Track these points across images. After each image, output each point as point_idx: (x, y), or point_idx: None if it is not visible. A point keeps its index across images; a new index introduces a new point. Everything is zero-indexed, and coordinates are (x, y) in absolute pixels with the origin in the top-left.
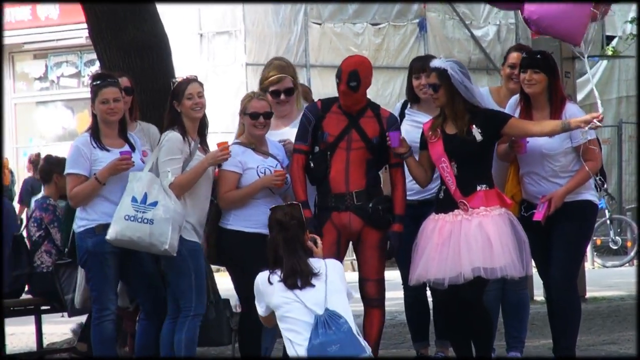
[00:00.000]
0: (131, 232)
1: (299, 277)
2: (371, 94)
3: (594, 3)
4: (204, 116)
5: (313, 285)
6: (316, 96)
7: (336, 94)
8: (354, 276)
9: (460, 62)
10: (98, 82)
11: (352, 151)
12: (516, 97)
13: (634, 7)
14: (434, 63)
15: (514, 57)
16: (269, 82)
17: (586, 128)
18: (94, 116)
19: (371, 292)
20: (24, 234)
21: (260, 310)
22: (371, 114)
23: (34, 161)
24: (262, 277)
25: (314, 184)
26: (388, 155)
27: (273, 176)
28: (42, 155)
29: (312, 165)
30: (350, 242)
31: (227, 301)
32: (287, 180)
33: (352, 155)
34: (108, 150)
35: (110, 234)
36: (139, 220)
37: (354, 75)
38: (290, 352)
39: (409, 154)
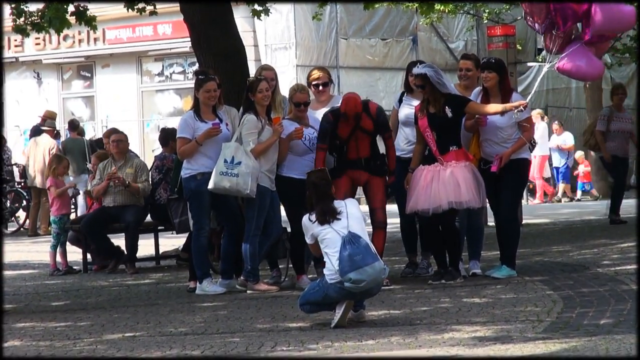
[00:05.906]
0: (224, 182)
1: (327, 215)
2: (381, 86)
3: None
4: (281, 98)
5: (339, 218)
6: (344, 87)
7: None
8: (364, 207)
9: (434, 65)
10: (202, 77)
11: (360, 140)
12: (479, 88)
13: None
14: (415, 71)
15: (462, 63)
16: (313, 78)
17: (515, 111)
18: (197, 99)
19: (380, 217)
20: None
21: (308, 240)
22: (365, 115)
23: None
24: (305, 218)
25: (331, 153)
26: (382, 131)
27: (293, 131)
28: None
29: (337, 142)
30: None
31: (285, 229)
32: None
33: (359, 140)
34: (205, 122)
35: (210, 185)
36: (229, 174)
37: (357, 115)
38: (327, 261)
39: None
